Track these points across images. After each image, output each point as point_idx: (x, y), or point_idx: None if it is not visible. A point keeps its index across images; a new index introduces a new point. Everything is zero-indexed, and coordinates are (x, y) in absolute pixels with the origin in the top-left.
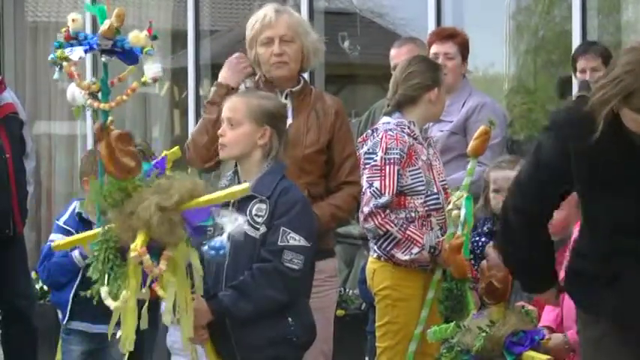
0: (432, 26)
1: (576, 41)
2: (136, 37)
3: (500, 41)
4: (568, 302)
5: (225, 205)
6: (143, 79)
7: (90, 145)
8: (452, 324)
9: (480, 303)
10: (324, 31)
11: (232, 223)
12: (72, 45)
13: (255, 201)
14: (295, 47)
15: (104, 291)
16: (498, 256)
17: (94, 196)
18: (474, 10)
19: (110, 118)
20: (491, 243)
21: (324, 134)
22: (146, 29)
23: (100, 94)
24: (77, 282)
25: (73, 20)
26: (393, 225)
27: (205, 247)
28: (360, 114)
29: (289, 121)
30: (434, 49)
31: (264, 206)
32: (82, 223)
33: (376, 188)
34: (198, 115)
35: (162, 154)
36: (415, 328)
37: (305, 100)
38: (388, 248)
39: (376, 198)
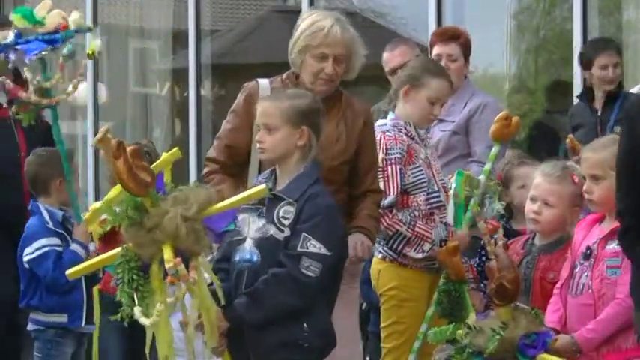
0: (432, 26)
1: (577, 41)
2: (75, 20)
3: (500, 41)
4: (571, 302)
5: (258, 204)
6: (89, 52)
7: (90, 145)
8: (452, 325)
9: (485, 303)
10: None
11: (250, 227)
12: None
13: (283, 203)
14: (346, 66)
15: (138, 311)
16: (509, 256)
17: (112, 218)
18: (475, 9)
19: (106, 127)
20: (500, 243)
21: (352, 144)
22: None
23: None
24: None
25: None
26: (402, 224)
27: (237, 259)
28: None
29: None
30: (436, 50)
31: (291, 209)
32: (62, 224)
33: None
34: (199, 115)
35: (162, 157)
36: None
37: (336, 105)
38: (399, 248)
39: (382, 199)
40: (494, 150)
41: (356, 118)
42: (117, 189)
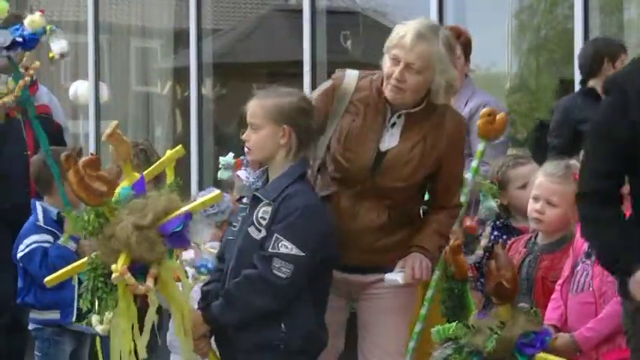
0: None
1: (578, 40)
2: (30, 21)
3: (502, 40)
4: (572, 301)
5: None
6: (51, 55)
7: (92, 143)
8: (454, 324)
9: (484, 302)
10: (327, 30)
11: (200, 235)
12: None
13: (263, 203)
14: (421, 79)
15: (95, 319)
16: (507, 256)
17: (73, 226)
18: (476, 8)
19: (115, 122)
20: (499, 242)
21: (423, 169)
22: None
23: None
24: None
25: None
26: None
27: (198, 264)
28: None
29: (393, 142)
30: None
31: (269, 209)
32: (58, 223)
33: None
34: (200, 114)
35: (166, 154)
36: (414, 325)
37: (420, 123)
38: None
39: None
40: (480, 147)
41: (441, 138)
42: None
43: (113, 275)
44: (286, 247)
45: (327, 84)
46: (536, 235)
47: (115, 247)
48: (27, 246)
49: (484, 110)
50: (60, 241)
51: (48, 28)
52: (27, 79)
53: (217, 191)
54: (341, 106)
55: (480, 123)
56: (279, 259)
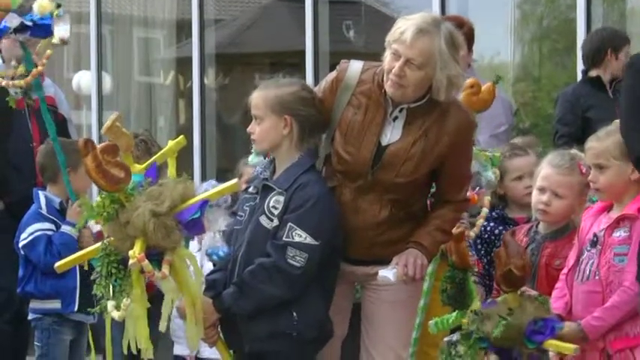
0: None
1: (581, 29)
2: (40, 5)
3: (505, 30)
4: (578, 289)
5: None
6: (53, 40)
7: (95, 135)
8: (454, 314)
9: (486, 292)
10: (329, 20)
11: (217, 224)
12: None
13: (274, 193)
14: (421, 75)
15: (110, 304)
16: (518, 244)
17: (89, 213)
18: None
19: (117, 113)
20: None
21: (425, 166)
22: None
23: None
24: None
25: None
26: None
27: (210, 252)
28: None
29: (395, 136)
30: None
31: (281, 199)
32: (60, 213)
33: None
34: (202, 105)
35: (168, 145)
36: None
37: (422, 118)
38: None
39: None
40: None
41: (444, 135)
42: None
43: (130, 261)
44: (300, 235)
45: (331, 75)
46: (538, 223)
47: (131, 234)
48: (30, 234)
49: (467, 81)
50: (71, 229)
51: (55, 13)
52: (40, 68)
53: (235, 180)
54: (344, 98)
55: (464, 94)
56: (294, 248)
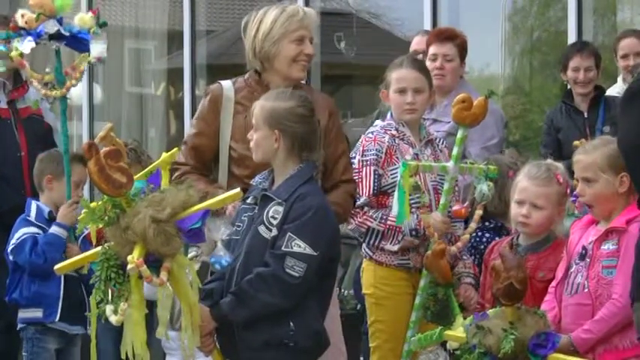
0: (427, 27)
1: (572, 42)
2: (81, 19)
3: (495, 42)
4: (567, 302)
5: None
6: (88, 59)
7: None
8: (437, 330)
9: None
10: (320, 32)
11: (218, 233)
12: (20, 35)
13: (273, 203)
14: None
15: (109, 309)
16: (516, 257)
17: (89, 216)
18: (470, 10)
19: (110, 125)
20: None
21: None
22: (91, 12)
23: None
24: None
25: (22, 16)
26: (372, 220)
27: (212, 260)
28: (356, 115)
29: None
30: (432, 49)
31: (280, 209)
32: (49, 221)
33: None
34: (193, 115)
35: (162, 157)
36: (405, 328)
37: None
38: (377, 243)
39: (355, 189)
40: (460, 134)
41: (320, 111)
42: None
43: (129, 266)
44: (299, 245)
45: (206, 100)
46: (518, 235)
47: (131, 239)
48: (17, 239)
49: (459, 96)
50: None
51: (92, 30)
52: (73, 81)
53: (237, 189)
54: (229, 111)
55: (454, 110)
56: (293, 258)
